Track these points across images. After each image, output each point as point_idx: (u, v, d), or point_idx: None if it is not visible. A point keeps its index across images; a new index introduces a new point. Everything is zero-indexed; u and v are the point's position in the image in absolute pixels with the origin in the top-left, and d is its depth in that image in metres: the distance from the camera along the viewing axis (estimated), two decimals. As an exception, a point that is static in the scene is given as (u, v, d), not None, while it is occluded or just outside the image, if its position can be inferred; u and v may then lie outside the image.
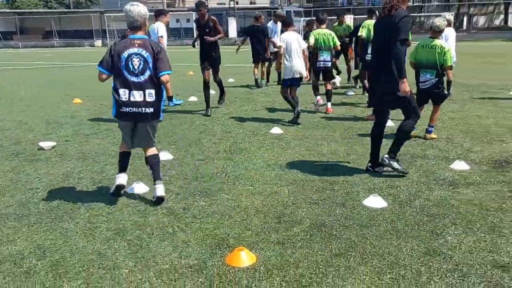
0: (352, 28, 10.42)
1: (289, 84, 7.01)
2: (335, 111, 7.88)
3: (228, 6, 44.11)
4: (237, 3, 44.81)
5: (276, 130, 6.58)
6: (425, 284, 2.69)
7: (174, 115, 7.88)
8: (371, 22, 7.29)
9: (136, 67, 3.77)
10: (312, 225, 3.51)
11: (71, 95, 10.33)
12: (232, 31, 37.72)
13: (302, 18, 33.80)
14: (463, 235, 3.29)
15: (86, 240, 3.33)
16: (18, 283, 2.78)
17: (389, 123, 5.72)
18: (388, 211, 3.74)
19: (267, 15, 34.41)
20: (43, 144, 5.86)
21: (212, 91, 8.13)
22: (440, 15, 8.66)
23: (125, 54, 3.77)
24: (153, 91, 3.82)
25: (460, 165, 4.84)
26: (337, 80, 10.04)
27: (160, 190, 3.94)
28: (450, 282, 2.71)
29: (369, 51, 7.19)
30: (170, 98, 8.66)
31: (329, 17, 10.47)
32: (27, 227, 3.57)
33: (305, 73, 6.88)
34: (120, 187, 4.03)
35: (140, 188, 4.30)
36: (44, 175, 4.82)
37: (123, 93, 3.80)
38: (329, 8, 39.69)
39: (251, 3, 54.74)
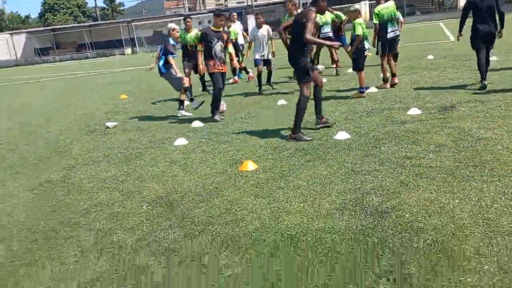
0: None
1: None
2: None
3: (246, 4, 45.85)
4: (255, 0, 46.54)
5: (282, 101, 8.43)
6: (355, 168, 4.49)
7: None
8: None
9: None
10: (295, 150, 5.36)
11: (116, 93, 12.52)
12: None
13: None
14: (393, 146, 5.06)
15: (152, 167, 5.31)
16: (119, 186, 4.77)
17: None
18: (349, 140, 5.54)
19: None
20: (109, 123, 7.94)
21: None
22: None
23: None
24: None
25: (414, 111, 6.56)
26: (320, 67, 11.40)
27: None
28: (371, 167, 4.49)
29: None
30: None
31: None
32: (113, 165, 5.58)
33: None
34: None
35: (181, 141, 6.25)
36: (115, 140, 6.87)
37: None
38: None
39: (268, -1, 56.31)
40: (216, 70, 7.17)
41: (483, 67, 7.47)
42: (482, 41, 7.49)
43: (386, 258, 2.81)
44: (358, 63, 8.03)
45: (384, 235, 3.12)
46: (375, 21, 8.50)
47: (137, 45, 42.23)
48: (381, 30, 8.48)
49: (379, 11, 8.47)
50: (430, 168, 4.29)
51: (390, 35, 8.50)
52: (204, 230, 3.50)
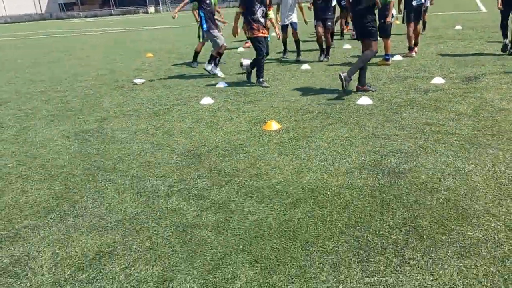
0: None
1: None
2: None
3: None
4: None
5: (306, 66, 8.53)
6: (376, 132, 4.66)
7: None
8: None
9: None
10: (318, 113, 5.53)
11: (142, 51, 12.73)
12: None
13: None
14: (414, 113, 5.20)
15: (180, 123, 5.56)
16: (149, 138, 5.05)
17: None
18: (371, 105, 5.68)
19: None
20: (136, 80, 8.19)
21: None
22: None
23: None
24: None
25: (437, 80, 6.62)
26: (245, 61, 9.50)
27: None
28: (391, 132, 4.66)
29: None
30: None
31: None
32: (143, 119, 5.85)
33: None
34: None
35: (207, 100, 6.48)
36: (143, 97, 7.13)
37: None
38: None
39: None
40: (260, 34, 7.03)
41: (504, 29, 8.11)
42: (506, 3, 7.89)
43: (400, 212, 3.04)
44: (385, 29, 8.02)
45: (399, 192, 3.33)
46: None
47: (160, 4, 41.98)
48: None
49: None
50: (449, 134, 4.43)
51: (415, 3, 8.42)
52: (230, 181, 3.76)
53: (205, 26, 7.94)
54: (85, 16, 44.35)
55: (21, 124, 6.03)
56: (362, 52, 6.34)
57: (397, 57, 8.67)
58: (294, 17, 9.51)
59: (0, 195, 3.81)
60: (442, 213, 3.00)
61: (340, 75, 6.04)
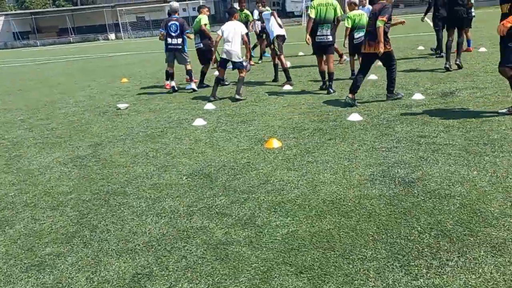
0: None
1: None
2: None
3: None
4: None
5: (287, 87, 8.74)
6: (375, 146, 4.86)
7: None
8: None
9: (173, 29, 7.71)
10: (314, 130, 5.69)
11: (115, 77, 12.61)
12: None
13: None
14: (405, 127, 5.45)
15: (179, 145, 5.56)
16: (152, 161, 5.02)
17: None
18: (362, 121, 5.91)
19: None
20: (120, 105, 8.12)
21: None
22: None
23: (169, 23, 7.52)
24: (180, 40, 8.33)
25: (417, 96, 6.97)
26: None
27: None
28: (390, 145, 4.87)
29: None
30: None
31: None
32: (139, 143, 5.81)
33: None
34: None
35: (199, 121, 6.51)
36: (132, 121, 7.07)
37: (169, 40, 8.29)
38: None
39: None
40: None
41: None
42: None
43: (424, 218, 3.18)
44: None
45: (416, 200, 3.49)
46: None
47: (121, 30, 41.73)
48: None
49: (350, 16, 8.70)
50: (445, 145, 4.68)
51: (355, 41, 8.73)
52: (248, 198, 3.81)
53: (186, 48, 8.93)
54: (43, 45, 43.34)
55: (10, 153, 5.84)
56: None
57: (373, 77, 9.04)
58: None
59: (10, 225, 3.68)
60: (463, 216, 3.17)
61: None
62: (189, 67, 9.15)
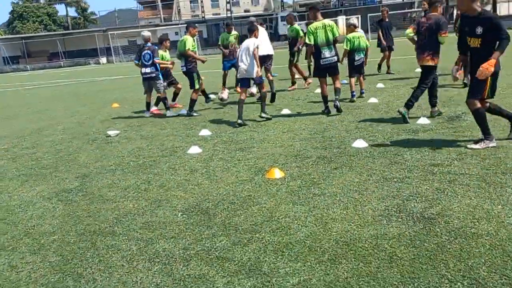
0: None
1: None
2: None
3: (225, 15, 46.04)
4: (231, 12, 46.81)
5: (286, 111, 8.43)
6: (386, 176, 4.51)
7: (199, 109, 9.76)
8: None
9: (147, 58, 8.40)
10: (317, 158, 5.34)
11: (106, 102, 12.26)
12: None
13: (297, 22, 35.73)
14: (415, 154, 5.12)
15: (173, 175, 5.17)
16: (144, 195, 4.62)
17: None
18: (368, 148, 5.58)
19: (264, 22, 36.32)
20: (110, 132, 7.73)
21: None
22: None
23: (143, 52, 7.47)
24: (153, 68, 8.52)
25: (423, 120, 6.68)
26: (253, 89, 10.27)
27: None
28: (402, 174, 4.52)
29: None
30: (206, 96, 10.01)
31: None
32: (130, 174, 5.42)
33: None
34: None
35: (195, 149, 6.14)
36: (122, 149, 6.68)
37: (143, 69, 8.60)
38: (322, 10, 41.74)
39: (245, 11, 56.88)
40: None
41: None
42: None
43: (453, 263, 2.81)
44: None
45: (440, 240, 3.12)
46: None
47: (113, 54, 41.60)
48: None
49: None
50: (461, 175, 4.35)
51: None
52: (252, 238, 3.42)
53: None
54: (33, 69, 43.01)
55: (-11, 186, 5.41)
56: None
57: (372, 100, 8.79)
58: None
59: (-17, 273, 3.24)
60: (496, 260, 2.80)
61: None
62: (162, 95, 9.18)
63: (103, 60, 43.25)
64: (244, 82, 7.85)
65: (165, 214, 4.05)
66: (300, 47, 11.14)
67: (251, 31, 7.76)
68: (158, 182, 4.99)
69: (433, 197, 3.88)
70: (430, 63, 6.55)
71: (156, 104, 9.85)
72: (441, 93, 8.74)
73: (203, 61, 9.17)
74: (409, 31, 6.74)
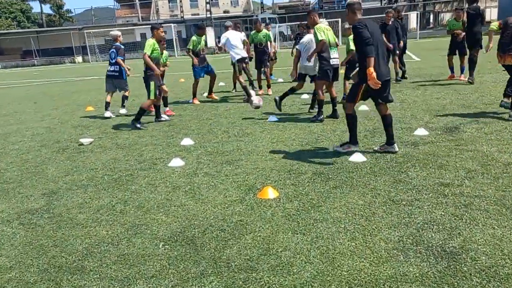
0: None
1: None
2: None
3: (205, 16, 45.38)
4: (210, 13, 46.15)
5: (273, 118, 7.93)
6: (393, 197, 4.05)
7: (185, 113, 9.16)
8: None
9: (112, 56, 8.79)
10: (314, 174, 4.85)
11: (80, 104, 11.52)
12: (211, 40, 38.94)
13: (277, 24, 35.54)
14: (419, 171, 4.69)
15: (152, 194, 4.60)
16: (119, 218, 4.03)
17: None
18: (367, 162, 5.12)
19: (242, 23, 35.88)
20: (83, 140, 7.07)
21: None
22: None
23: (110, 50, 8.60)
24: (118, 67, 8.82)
25: (421, 131, 6.27)
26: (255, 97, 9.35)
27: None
28: (410, 196, 4.07)
29: None
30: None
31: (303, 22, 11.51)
32: (103, 191, 4.81)
33: None
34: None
35: (176, 162, 5.57)
36: (96, 160, 6.05)
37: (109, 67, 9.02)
38: (301, 13, 41.52)
39: (224, 12, 56.28)
40: None
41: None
42: None
43: (493, 316, 2.35)
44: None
45: (470, 284, 2.66)
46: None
47: (89, 53, 40.39)
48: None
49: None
50: (475, 197, 3.92)
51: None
52: (248, 279, 2.89)
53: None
54: (5, 67, 41.36)
55: None
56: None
57: (363, 107, 8.37)
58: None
59: None
60: (543, 312, 2.35)
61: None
62: (126, 93, 9.42)
63: (79, 59, 41.96)
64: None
65: (144, 244, 3.49)
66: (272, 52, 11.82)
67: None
68: (136, 201, 4.41)
69: (450, 225, 3.43)
70: None
71: (165, 105, 9.08)
72: (432, 102, 8.41)
73: (155, 72, 7.68)
74: (495, 24, 7.00)
